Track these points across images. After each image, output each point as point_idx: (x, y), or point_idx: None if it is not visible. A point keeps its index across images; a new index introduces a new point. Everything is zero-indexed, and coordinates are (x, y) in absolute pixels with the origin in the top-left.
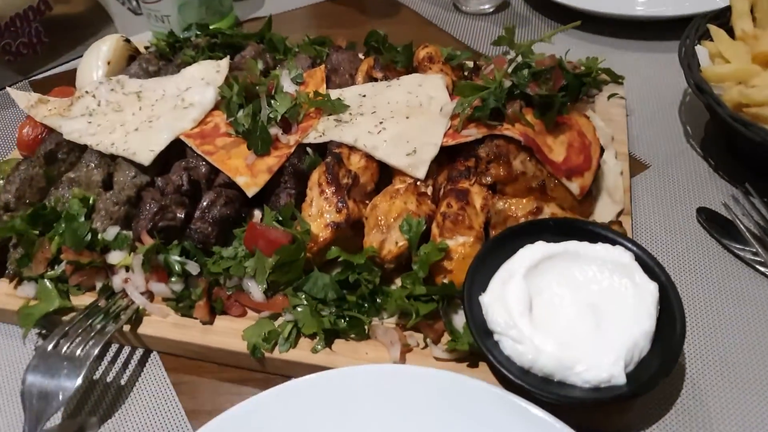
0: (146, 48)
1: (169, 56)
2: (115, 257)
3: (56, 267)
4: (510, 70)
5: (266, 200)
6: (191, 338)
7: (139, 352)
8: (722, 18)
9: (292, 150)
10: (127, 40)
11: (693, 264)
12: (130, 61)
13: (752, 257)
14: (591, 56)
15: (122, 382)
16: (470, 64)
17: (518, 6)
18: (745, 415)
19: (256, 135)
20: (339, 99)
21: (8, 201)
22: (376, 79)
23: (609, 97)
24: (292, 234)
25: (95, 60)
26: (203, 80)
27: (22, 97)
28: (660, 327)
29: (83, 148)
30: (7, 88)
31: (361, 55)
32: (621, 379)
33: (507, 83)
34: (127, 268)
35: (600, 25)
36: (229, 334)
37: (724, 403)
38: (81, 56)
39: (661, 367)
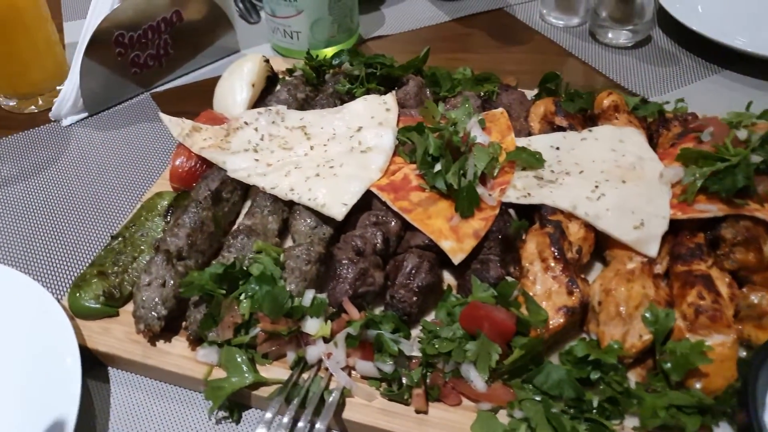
0: (289, 71)
1: (314, 82)
2: (312, 326)
3: (242, 332)
4: (756, 143)
5: (464, 266)
6: (406, 429)
7: None
8: None
9: (497, 211)
10: (266, 60)
11: None
12: (267, 82)
13: None
14: None
15: None
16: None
17: (660, 41)
18: None
19: (463, 195)
20: (530, 150)
21: (181, 248)
22: (561, 127)
23: None
24: (519, 317)
25: (239, 81)
26: (373, 119)
27: (175, 125)
28: None
29: (245, 188)
30: (160, 114)
31: (527, 93)
32: None
33: (755, 158)
34: (325, 339)
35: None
36: (447, 427)
37: None
38: (200, 67)
39: None
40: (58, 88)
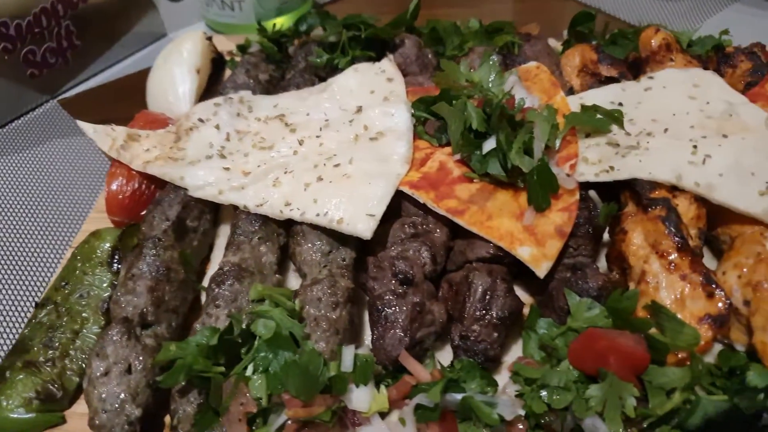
0: (241, 48)
1: (276, 58)
2: (361, 399)
3: (258, 422)
4: None
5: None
6: None
7: None
8: None
9: (577, 196)
10: (209, 38)
11: None
12: (213, 66)
13: None
14: None
15: None
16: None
17: None
18: None
19: (535, 180)
20: (602, 108)
21: (144, 310)
22: (611, 78)
23: None
24: (653, 341)
25: (178, 68)
26: (375, 94)
27: (103, 135)
28: None
29: (214, 209)
30: (79, 123)
31: (552, 43)
32: None
33: None
34: (382, 415)
35: None
36: None
37: None
38: (119, 61)
39: None
40: None
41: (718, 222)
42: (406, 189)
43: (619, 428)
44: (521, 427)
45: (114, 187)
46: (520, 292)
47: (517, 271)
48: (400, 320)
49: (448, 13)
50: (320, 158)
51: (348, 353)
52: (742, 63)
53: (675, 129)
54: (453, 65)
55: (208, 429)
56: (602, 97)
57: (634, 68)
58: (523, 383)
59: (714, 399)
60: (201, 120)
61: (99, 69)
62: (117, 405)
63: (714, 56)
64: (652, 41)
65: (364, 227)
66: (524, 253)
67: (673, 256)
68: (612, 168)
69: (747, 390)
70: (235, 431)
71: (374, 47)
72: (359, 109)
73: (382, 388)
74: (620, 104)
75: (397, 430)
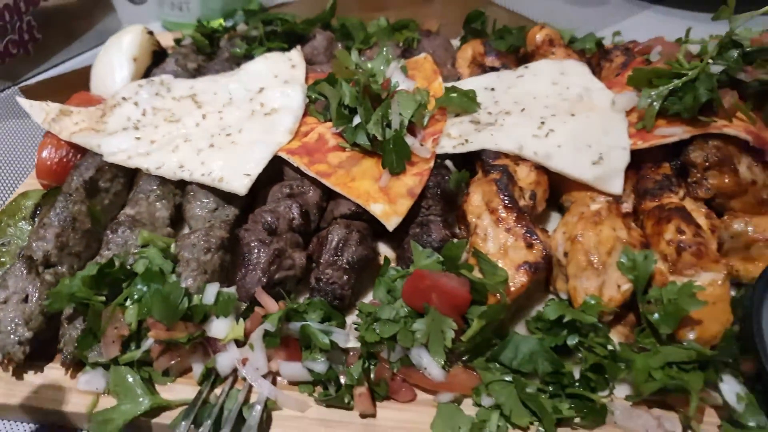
0: (177, 42)
1: (207, 50)
2: (219, 328)
3: (132, 346)
4: (714, 51)
5: (403, 233)
6: None
7: None
8: None
9: (432, 164)
10: (150, 32)
11: None
12: (154, 57)
13: None
14: None
15: None
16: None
17: None
18: None
19: (390, 148)
20: (460, 90)
21: (48, 252)
22: (494, 68)
23: None
24: (473, 282)
25: (117, 56)
26: (277, 78)
27: (38, 110)
28: None
29: (129, 173)
30: (18, 99)
31: (453, 41)
32: None
33: (715, 68)
34: (239, 342)
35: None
36: (402, 429)
37: None
38: (78, 54)
39: None
40: None
41: (563, 189)
42: (283, 154)
43: (442, 358)
44: (354, 354)
45: (44, 154)
46: (385, 248)
47: (382, 230)
48: (261, 263)
49: (380, 15)
50: (217, 129)
51: (211, 289)
52: (617, 57)
53: (531, 109)
54: (345, 53)
55: (87, 350)
56: (479, 83)
57: (524, 62)
58: (364, 317)
59: (528, 337)
60: (124, 98)
61: (60, 61)
62: (11, 327)
63: (596, 52)
64: (537, 36)
65: (239, 184)
66: (377, 209)
67: (501, 212)
68: (467, 141)
69: (554, 327)
70: (110, 351)
71: (293, 41)
72: (261, 90)
73: (241, 320)
74: (492, 89)
75: (248, 354)
